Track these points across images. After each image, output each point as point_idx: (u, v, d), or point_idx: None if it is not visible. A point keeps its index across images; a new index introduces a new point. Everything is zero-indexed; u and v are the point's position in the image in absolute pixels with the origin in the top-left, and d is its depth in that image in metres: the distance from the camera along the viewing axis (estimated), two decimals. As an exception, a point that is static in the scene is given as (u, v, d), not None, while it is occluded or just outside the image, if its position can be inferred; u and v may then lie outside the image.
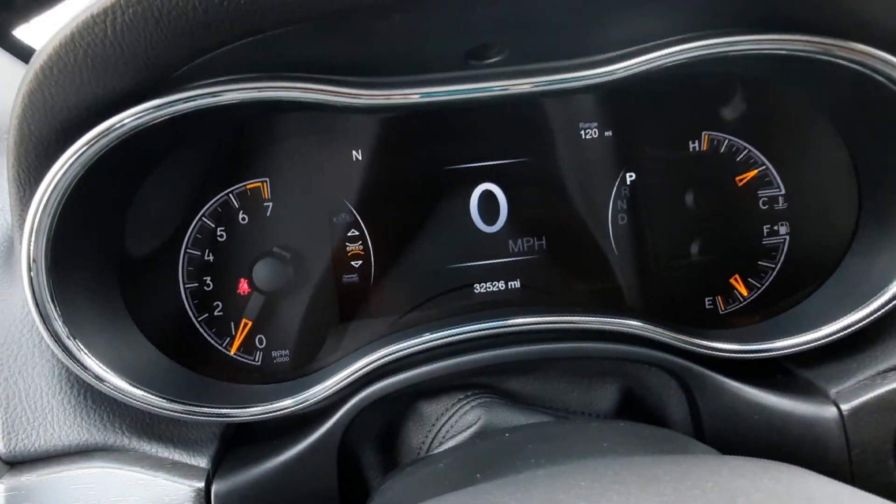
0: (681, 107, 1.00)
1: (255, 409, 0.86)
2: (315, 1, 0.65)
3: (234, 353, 0.96)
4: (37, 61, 0.68)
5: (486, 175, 0.98)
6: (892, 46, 0.80)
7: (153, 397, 0.81)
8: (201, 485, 0.80)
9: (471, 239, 0.99)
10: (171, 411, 0.82)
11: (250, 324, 0.96)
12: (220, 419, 0.84)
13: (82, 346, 0.77)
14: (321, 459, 0.85)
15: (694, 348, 0.91)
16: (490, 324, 0.91)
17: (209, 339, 0.96)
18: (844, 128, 0.98)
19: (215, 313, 0.96)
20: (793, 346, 0.89)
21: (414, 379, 0.88)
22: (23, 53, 1.39)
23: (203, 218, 0.95)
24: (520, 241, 1.00)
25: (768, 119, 1.01)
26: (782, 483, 0.51)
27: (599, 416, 0.99)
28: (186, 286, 0.95)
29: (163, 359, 0.91)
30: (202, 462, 0.83)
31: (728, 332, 0.98)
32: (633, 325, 0.90)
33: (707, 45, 0.82)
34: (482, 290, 0.99)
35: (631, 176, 1.01)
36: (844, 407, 0.84)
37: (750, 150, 1.01)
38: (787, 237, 1.02)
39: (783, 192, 1.02)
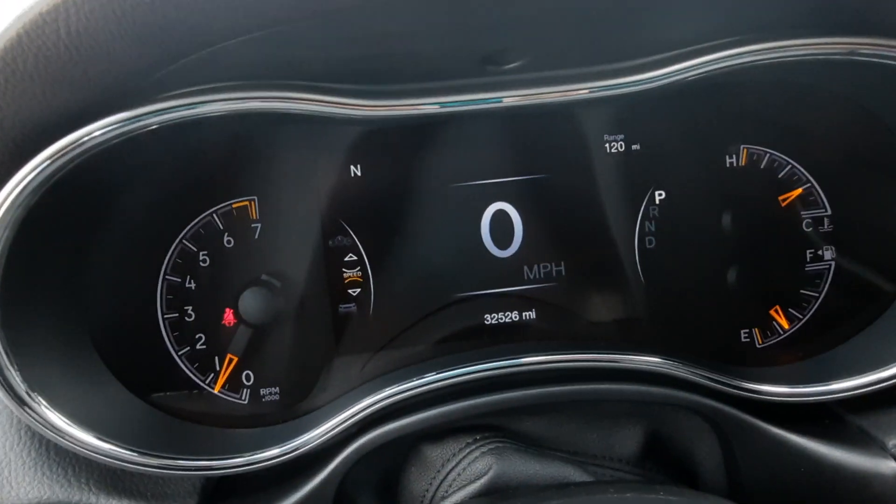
0: (716, 117, 0.92)
1: (238, 459, 0.78)
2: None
3: (219, 391, 0.88)
4: (-22, 69, 0.59)
5: (499, 193, 0.91)
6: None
7: (124, 451, 0.73)
8: (177, 546, 0.72)
9: (481, 264, 0.91)
10: (145, 466, 0.74)
11: (236, 359, 0.88)
12: (198, 472, 0.76)
13: (43, 401, 0.69)
14: (315, 514, 0.77)
15: (731, 390, 0.84)
16: (502, 363, 0.83)
17: (191, 375, 0.88)
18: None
19: (197, 346, 0.88)
20: (849, 390, 0.82)
21: (418, 424, 0.82)
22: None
23: (184, 241, 0.88)
24: (536, 266, 0.92)
25: (814, 131, 0.93)
26: None
27: (621, 461, 0.91)
28: (165, 316, 0.87)
29: (137, 403, 0.83)
30: (179, 519, 0.75)
31: (767, 370, 0.90)
32: (662, 363, 0.83)
33: (756, 51, 0.74)
34: (494, 322, 0.91)
35: (661, 194, 0.92)
36: (906, 461, 0.77)
37: (793, 166, 0.93)
38: (833, 263, 0.95)
39: (829, 212, 0.94)
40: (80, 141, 0.66)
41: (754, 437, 0.82)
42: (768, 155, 0.93)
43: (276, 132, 0.87)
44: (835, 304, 0.93)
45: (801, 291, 0.94)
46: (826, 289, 0.94)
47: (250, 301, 0.86)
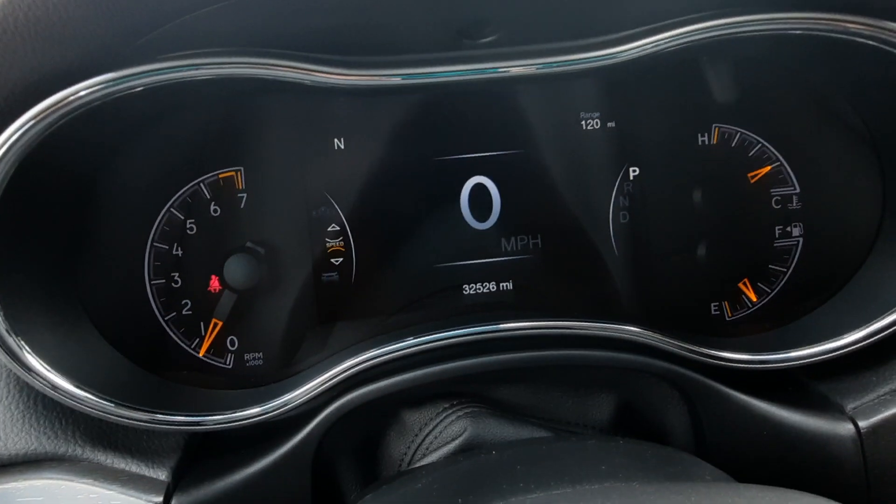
0: (689, 97, 0.94)
1: (219, 416, 0.80)
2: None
3: (203, 356, 0.90)
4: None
5: (479, 167, 0.92)
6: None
7: (108, 403, 0.75)
8: (160, 499, 0.74)
9: (461, 236, 0.93)
10: (129, 419, 0.76)
11: (221, 324, 0.89)
12: (178, 427, 0.78)
13: (25, 345, 0.70)
14: (293, 472, 0.80)
15: (698, 357, 0.86)
16: (479, 328, 0.85)
17: (176, 339, 0.90)
18: (867, 119, 0.91)
19: (183, 312, 0.90)
20: (808, 357, 0.84)
21: (396, 386, 0.83)
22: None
23: (171, 209, 0.89)
24: (513, 239, 0.93)
25: (783, 110, 0.95)
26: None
27: (595, 427, 0.94)
28: (153, 282, 0.89)
29: (122, 361, 0.84)
30: (162, 474, 0.77)
31: (735, 340, 0.92)
32: (633, 331, 0.85)
33: (722, 25, 0.76)
34: (472, 292, 0.93)
35: (634, 170, 0.94)
36: (862, 424, 0.79)
37: (763, 145, 0.95)
38: (801, 239, 0.97)
39: (798, 190, 0.96)
40: (67, 100, 0.67)
41: (720, 403, 0.84)
42: (739, 133, 0.95)
43: (261, 104, 0.88)
44: (801, 279, 0.95)
45: (770, 266, 0.96)
46: (794, 264, 0.96)
47: (235, 267, 0.87)
